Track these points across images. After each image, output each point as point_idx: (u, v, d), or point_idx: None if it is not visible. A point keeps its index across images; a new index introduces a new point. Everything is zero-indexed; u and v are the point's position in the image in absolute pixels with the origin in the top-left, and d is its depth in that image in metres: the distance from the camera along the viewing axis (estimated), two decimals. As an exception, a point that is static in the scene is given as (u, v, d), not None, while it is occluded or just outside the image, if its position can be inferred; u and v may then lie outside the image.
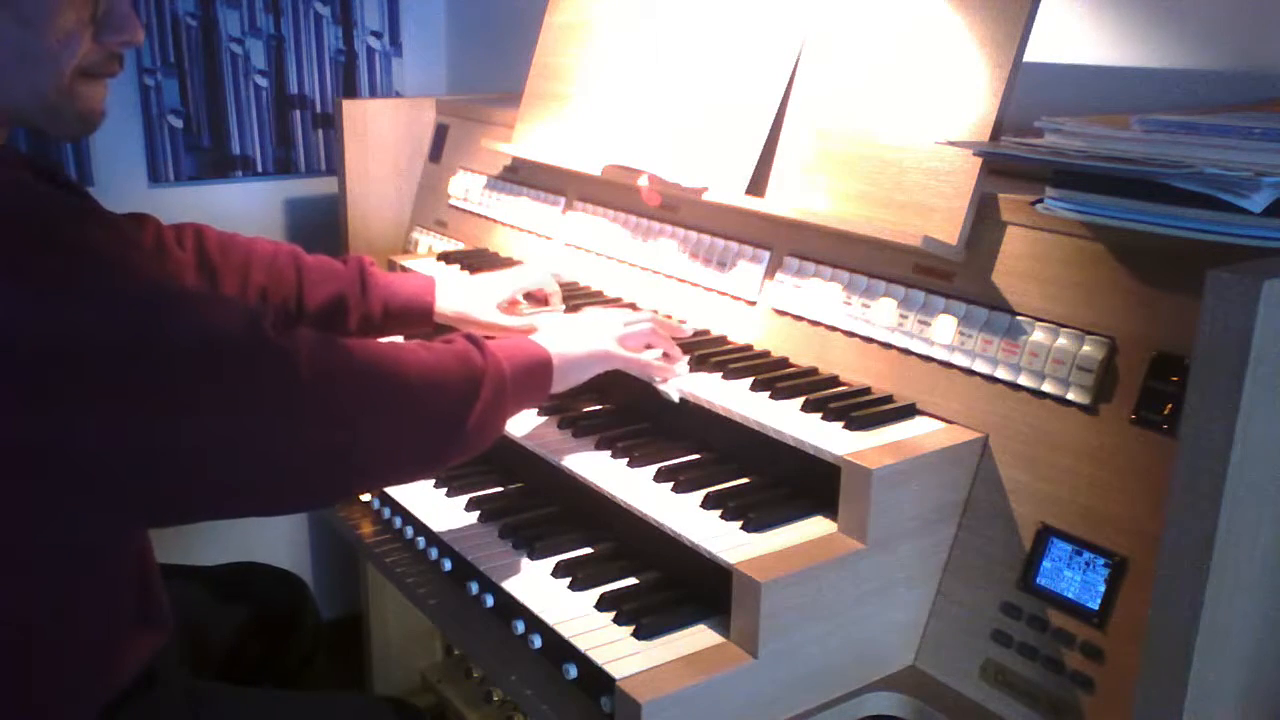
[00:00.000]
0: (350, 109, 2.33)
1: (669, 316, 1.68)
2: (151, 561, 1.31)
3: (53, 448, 0.98)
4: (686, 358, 1.49)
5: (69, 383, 0.96)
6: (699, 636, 1.22)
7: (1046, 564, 1.19)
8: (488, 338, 1.33)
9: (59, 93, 1.09)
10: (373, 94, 2.68)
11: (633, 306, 1.74)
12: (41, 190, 1.03)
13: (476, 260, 2.01)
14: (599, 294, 1.80)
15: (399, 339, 1.48)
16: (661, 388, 1.44)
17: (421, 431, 1.20)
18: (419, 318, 1.69)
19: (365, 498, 1.69)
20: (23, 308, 0.94)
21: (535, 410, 1.57)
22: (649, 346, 1.48)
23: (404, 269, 2.01)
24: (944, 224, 1.31)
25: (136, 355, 0.98)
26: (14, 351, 0.94)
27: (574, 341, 1.40)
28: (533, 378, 1.33)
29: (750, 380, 1.42)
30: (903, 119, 1.38)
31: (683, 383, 1.44)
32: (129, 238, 1.07)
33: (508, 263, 2.00)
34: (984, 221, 1.30)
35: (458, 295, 1.68)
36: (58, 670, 1.14)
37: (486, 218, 2.17)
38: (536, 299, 1.74)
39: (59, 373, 0.96)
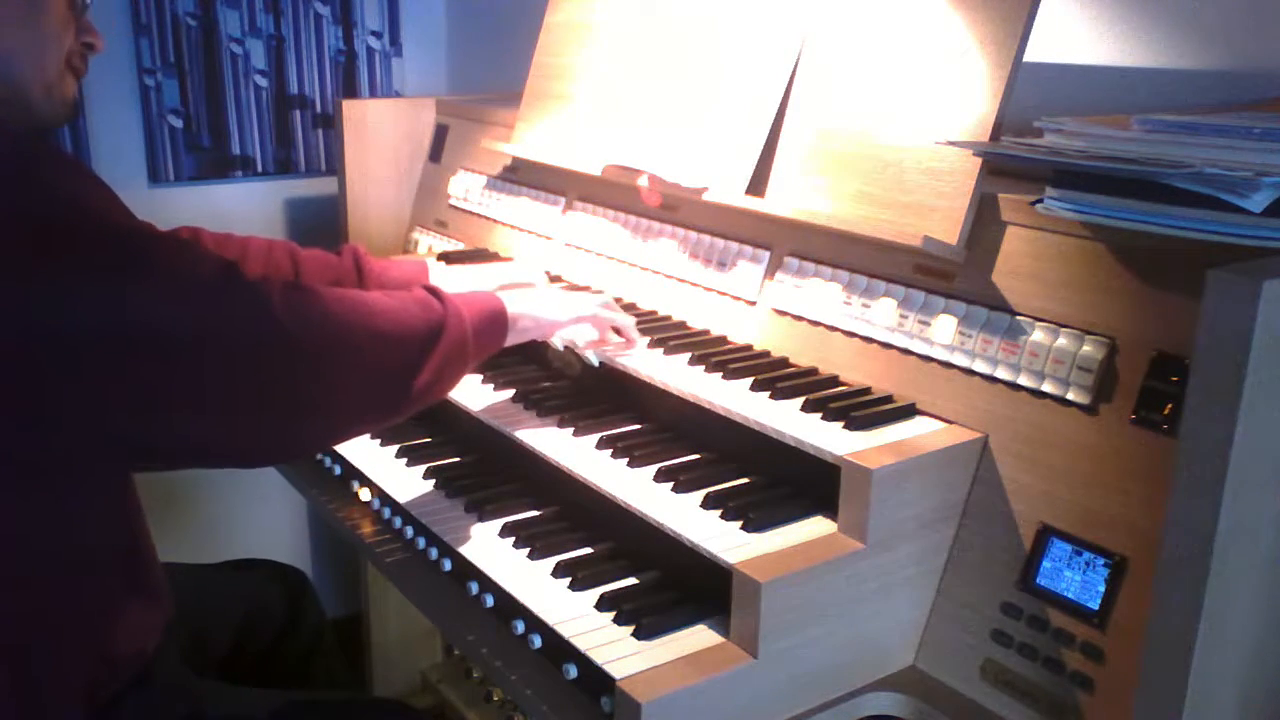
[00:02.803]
0: (350, 109, 2.33)
1: (668, 317, 1.69)
2: (145, 540, 1.32)
3: (37, 399, 1.00)
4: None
5: (51, 336, 1.00)
6: (699, 636, 1.22)
7: (1046, 564, 1.19)
8: None
9: (58, 73, 1.21)
10: (373, 94, 2.68)
11: (632, 307, 1.74)
12: (28, 144, 1.09)
13: (477, 260, 2.02)
14: (599, 294, 1.80)
15: None
16: (586, 353, 1.54)
17: (389, 375, 1.26)
18: None
19: (365, 497, 1.69)
20: (12, 268, 0.98)
21: (537, 411, 1.58)
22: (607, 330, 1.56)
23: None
24: (944, 224, 1.31)
25: (116, 301, 1.02)
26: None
27: (529, 302, 1.48)
28: (490, 325, 1.40)
29: (750, 380, 1.42)
30: (903, 119, 1.38)
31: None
32: (109, 191, 1.13)
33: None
34: (984, 221, 1.30)
35: (451, 281, 1.74)
36: (52, 645, 1.14)
37: (486, 218, 2.17)
38: None
39: (43, 328, 0.99)
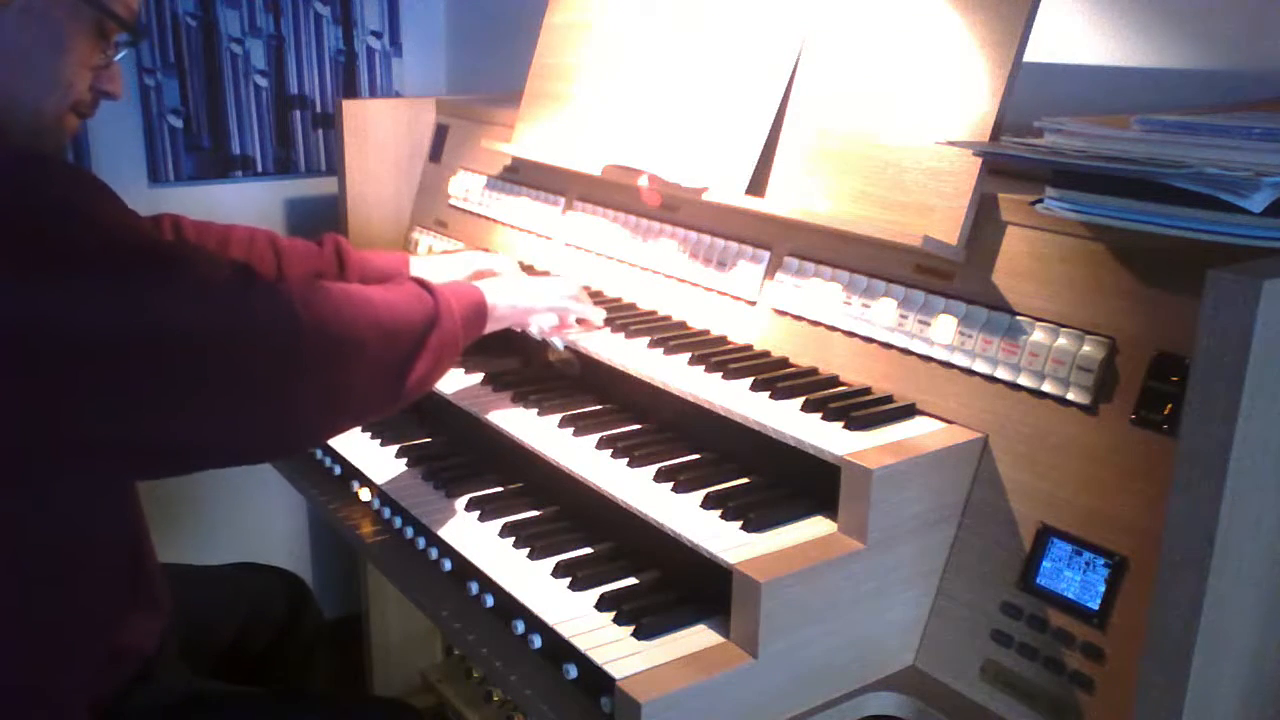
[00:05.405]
0: (350, 109, 2.33)
1: (668, 317, 1.69)
2: (146, 541, 1.32)
3: (54, 405, 1.00)
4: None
5: (70, 346, 0.99)
6: (699, 636, 1.22)
7: (1046, 564, 1.20)
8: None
9: (54, 119, 1.17)
10: (373, 94, 2.68)
11: (632, 307, 1.74)
12: (32, 157, 1.08)
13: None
14: (599, 294, 1.80)
15: None
16: (552, 339, 1.61)
17: (389, 367, 1.28)
18: None
19: (365, 497, 1.69)
20: (25, 277, 0.98)
21: (538, 411, 1.58)
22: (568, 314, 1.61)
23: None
24: (944, 224, 1.31)
25: (139, 308, 1.02)
26: (13, 323, 0.97)
27: (505, 292, 1.52)
28: (475, 316, 1.45)
29: (750, 380, 1.42)
30: (903, 119, 1.38)
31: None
32: (121, 203, 1.11)
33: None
34: (984, 221, 1.30)
35: (429, 270, 1.76)
36: (53, 646, 1.14)
37: (486, 218, 2.17)
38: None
39: (60, 338, 0.98)
